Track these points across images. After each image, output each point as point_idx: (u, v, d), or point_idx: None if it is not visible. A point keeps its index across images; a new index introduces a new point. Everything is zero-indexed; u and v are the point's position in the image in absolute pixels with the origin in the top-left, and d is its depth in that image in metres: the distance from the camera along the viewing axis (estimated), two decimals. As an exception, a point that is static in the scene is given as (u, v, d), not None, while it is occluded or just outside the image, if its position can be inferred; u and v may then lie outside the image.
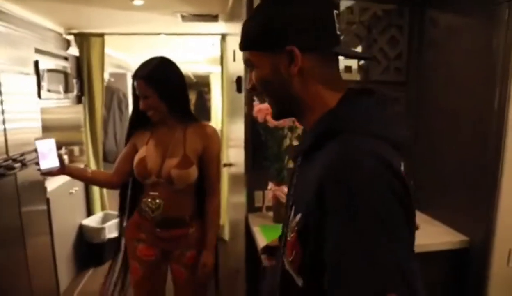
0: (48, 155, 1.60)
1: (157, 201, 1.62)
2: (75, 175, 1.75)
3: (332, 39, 0.71)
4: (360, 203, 0.58)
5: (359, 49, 2.10)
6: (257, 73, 0.76)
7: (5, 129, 2.12)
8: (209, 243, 1.66)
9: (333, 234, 0.59)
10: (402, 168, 0.68)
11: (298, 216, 0.67)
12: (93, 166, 3.60)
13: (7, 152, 2.14)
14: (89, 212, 3.64)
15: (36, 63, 2.67)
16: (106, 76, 5.21)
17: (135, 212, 1.74)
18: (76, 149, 3.63)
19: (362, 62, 2.11)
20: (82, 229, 3.37)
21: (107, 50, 3.66)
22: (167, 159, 1.61)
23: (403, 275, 0.55)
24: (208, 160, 1.65)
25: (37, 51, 2.72)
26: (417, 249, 1.91)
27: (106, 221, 3.52)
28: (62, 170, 1.63)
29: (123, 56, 5.39)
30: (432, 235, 1.85)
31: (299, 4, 0.70)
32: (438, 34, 1.98)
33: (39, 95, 2.66)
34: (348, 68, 2.09)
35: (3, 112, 2.10)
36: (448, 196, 1.92)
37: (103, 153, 3.99)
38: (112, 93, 5.51)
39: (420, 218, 2.06)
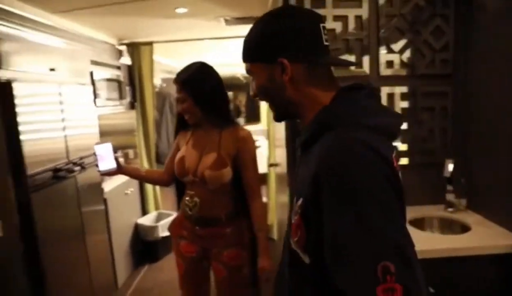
0: (106, 158, 1.74)
1: (194, 199, 1.68)
2: (131, 174, 1.89)
3: (319, 50, 0.79)
4: (353, 185, 0.63)
5: (402, 43, 2.01)
6: (256, 82, 0.85)
7: (65, 136, 2.33)
8: (261, 248, 1.66)
9: (330, 215, 0.65)
10: (394, 154, 0.74)
11: (300, 200, 0.74)
12: (146, 167, 3.80)
13: (67, 156, 2.35)
14: (144, 211, 3.86)
15: (92, 74, 2.88)
16: (158, 81, 5.47)
17: (179, 210, 1.82)
18: (130, 152, 3.86)
19: (407, 55, 2.02)
20: (137, 227, 3.58)
21: (156, 57, 3.85)
22: (203, 158, 1.66)
23: (399, 248, 0.61)
24: (243, 162, 1.66)
25: (93, 62, 2.95)
26: (469, 252, 1.78)
27: (159, 220, 3.71)
28: (119, 170, 1.77)
29: (171, 62, 5.62)
30: (486, 237, 1.72)
31: (289, 21, 0.79)
32: (486, 20, 1.84)
33: (95, 103, 2.87)
34: (389, 63, 2.01)
35: (63, 120, 2.31)
36: (504, 195, 1.78)
37: (157, 154, 4.20)
38: (164, 97, 5.77)
39: (473, 218, 1.93)
